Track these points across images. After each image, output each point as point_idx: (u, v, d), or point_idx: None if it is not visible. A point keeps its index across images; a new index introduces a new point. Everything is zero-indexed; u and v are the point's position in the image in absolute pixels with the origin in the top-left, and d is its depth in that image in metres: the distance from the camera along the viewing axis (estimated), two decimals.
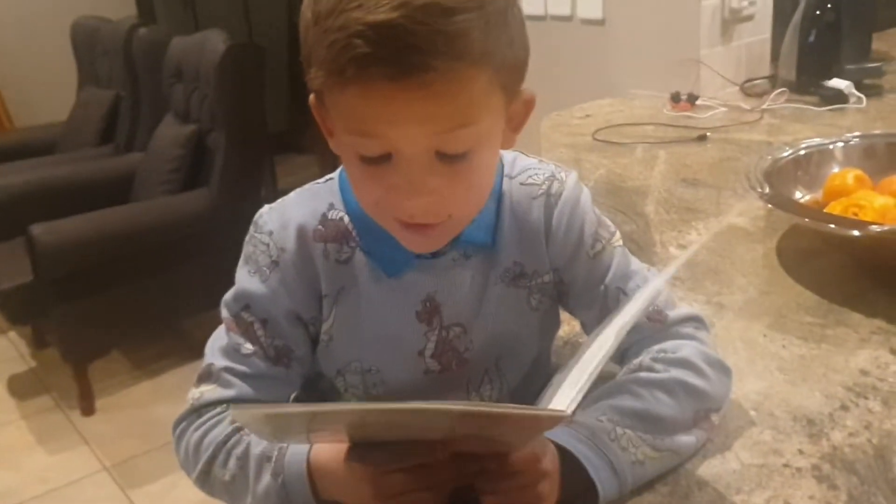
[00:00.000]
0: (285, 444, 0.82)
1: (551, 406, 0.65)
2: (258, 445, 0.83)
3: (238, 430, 0.84)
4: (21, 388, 3.27)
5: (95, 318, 3.01)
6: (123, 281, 3.03)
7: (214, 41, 3.12)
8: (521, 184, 0.91)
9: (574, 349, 1.07)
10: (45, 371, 3.34)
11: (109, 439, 2.90)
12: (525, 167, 0.92)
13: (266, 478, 0.81)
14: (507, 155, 0.92)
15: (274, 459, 0.81)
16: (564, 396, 0.65)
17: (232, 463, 0.83)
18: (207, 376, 0.88)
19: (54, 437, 2.94)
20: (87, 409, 3.04)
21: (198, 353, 0.93)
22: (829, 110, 2.03)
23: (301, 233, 0.87)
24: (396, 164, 0.73)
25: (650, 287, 0.78)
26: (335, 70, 0.69)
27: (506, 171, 0.91)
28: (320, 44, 0.69)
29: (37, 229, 2.80)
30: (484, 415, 0.67)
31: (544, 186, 0.90)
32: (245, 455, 0.83)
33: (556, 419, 0.68)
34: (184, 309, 3.21)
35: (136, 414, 3.03)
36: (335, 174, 0.91)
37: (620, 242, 0.93)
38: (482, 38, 0.69)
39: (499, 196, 0.89)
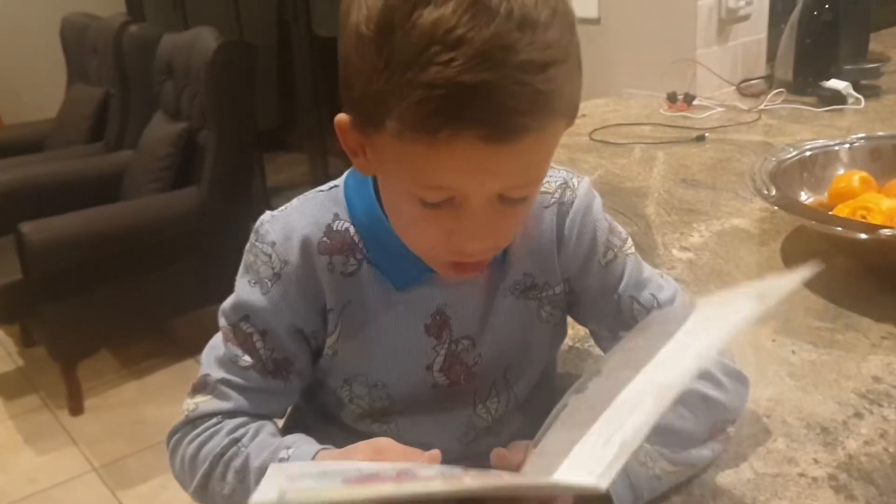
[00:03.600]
0: (286, 455, 0.79)
1: (578, 455, 0.63)
2: (257, 458, 0.80)
3: (235, 441, 0.82)
4: (8, 387, 3.24)
5: (84, 316, 2.98)
6: (112, 279, 3.00)
7: (206, 39, 3.09)
8: None
9: (580, 356, 1.05)
10: (33, 370, 3.31)
11: (98, 439, 2.87)
12: None
13: None
14: None
15: None
16: (594, 458, 0.62)
17: (231, 476, 0.81)
18: (203, 387, 0.86)
19: (42, 437, 2.91)
20: (76, 409, 3.01)
21: (186, 352, 0.91)
22: (828, 111, 2.03)
23: (305, 245, 0.83)
24: (459, 207, 0.70)
25: (707, 347, 0.68)
26: (423, 128, 0.63)
27: None
28: (398, 94, 0.63)
29: (26, 227, 2.77)
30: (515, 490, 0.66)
31: (556, 195, 0.87)
32: (244, 468, 0.80)
33: (588, 492, 0.63)
34: (173, 308, 3.16)
35: (125, 414, 3.00)
36: (339, 181, 0.87)
37: (632, 249, 0.90)
38: (570, 91, 0.67)
39: None
